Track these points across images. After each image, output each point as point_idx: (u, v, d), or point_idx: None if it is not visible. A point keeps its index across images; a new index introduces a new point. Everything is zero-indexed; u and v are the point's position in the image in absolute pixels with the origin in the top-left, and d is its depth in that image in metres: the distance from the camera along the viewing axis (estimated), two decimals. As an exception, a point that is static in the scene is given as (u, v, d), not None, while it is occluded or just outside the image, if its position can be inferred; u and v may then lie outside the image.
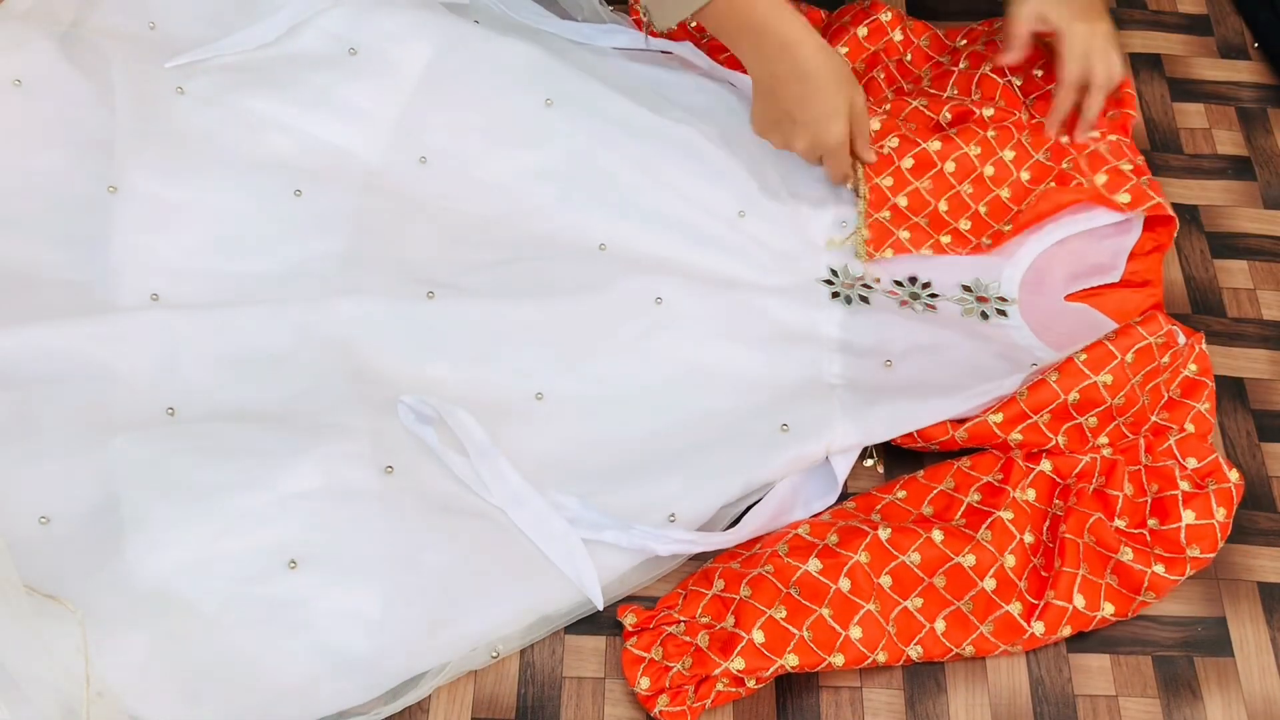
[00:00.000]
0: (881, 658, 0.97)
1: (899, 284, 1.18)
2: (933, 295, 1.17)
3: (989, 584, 1.00)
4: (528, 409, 1.07)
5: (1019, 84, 1.26)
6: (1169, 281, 1.21)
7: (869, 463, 1.09)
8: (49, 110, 1.17)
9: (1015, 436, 1.05)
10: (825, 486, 1.07)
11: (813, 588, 0.97)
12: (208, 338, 1.06)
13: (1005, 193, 1.21)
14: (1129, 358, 1.04)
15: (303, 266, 1.12)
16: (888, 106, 1.26)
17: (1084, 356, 1.05)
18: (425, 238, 1.16)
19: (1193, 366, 1.10)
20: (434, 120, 1.22)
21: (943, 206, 1.20)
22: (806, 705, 0.98)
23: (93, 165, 1.15)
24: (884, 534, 1.00)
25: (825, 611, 0.96)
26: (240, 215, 1.14)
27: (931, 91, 1.28)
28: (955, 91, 1.27)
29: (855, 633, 0.96)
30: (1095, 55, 1.20)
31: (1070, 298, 1.18)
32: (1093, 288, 1.18)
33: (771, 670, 0.94)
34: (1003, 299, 1.17)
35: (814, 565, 0.98)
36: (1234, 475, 1.05)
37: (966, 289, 1.18)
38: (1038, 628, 0.99)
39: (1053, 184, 1.20)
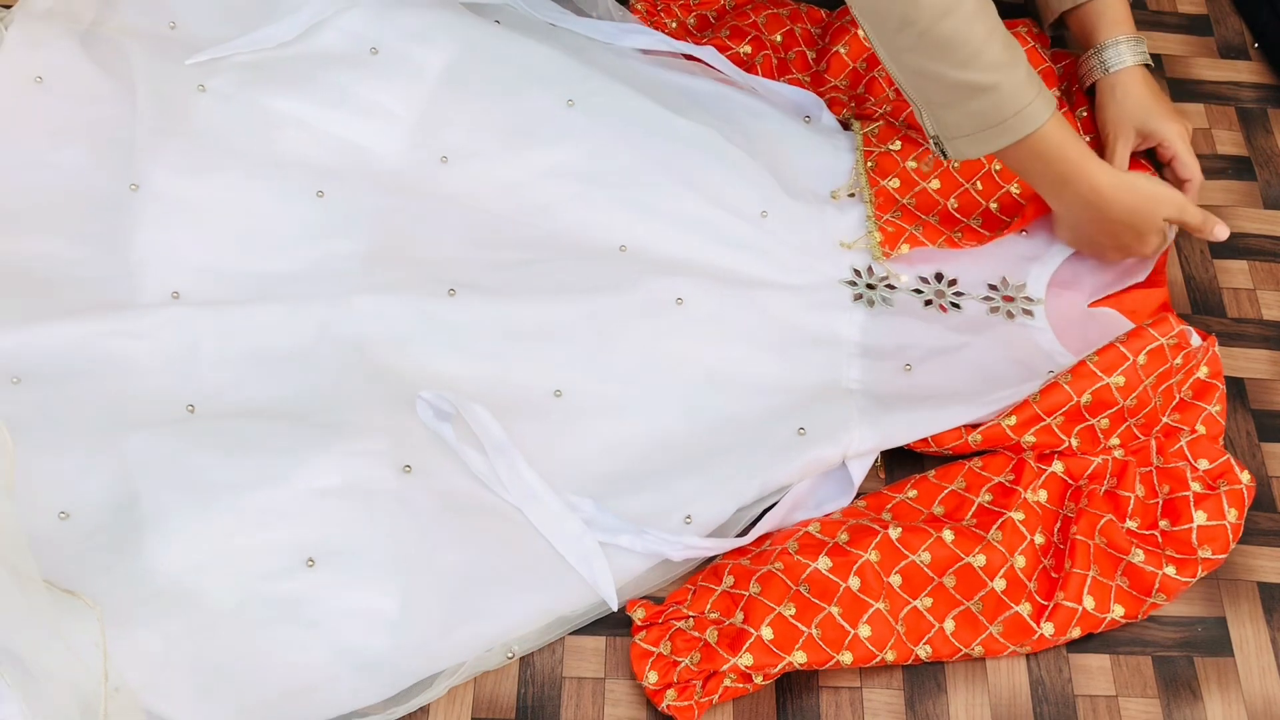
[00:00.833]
0: (890, 657, 0.97)
1: (925, 281, 1.17)
2: (958, 294, 1.17)
3: (999, 584, 1.00)
4: (546, 407, 1.08)
5: None
6: (1169, 281, 1.21)
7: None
8: (70, 108, 1.18)
9: (1028, 439, 1.05)
10: (840, 489, 1.07)
11: (822, 585, 0.97)
12: (228, 335, 1.07)
13: (1015, 189, 1.21)
14: (1141, 359, 1.04)
15: (323, 265, 1.13)
16: (888, 107, 1.26)
17: (1096, 358, 1.05)
18: (446, 237, 1.16)
19: (1205, 369, 1.10)
20: (455, 120, 1.22)
21: (953, 204, 1.20)
22: (806, 705, 0.99)
23: (114, 163, 1.16)
24: (894, 533, 1.00)
25: (834, 609, 0.96)
26: (261, 213, 1.15)
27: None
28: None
29: (864, 631, 0.97)
30: (1189, 149, 1.22)
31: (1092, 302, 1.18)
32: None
33: (779, 667, 0.95)
34: (1029, 299, 1.17)
35: (824, 563, 0.98)
36: (1245, 477, 1.05)
37: (993, 287, 1.17)
38: (1047, 629, 0.99)
39: None
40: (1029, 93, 1.02)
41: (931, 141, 1.07)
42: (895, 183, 1.20)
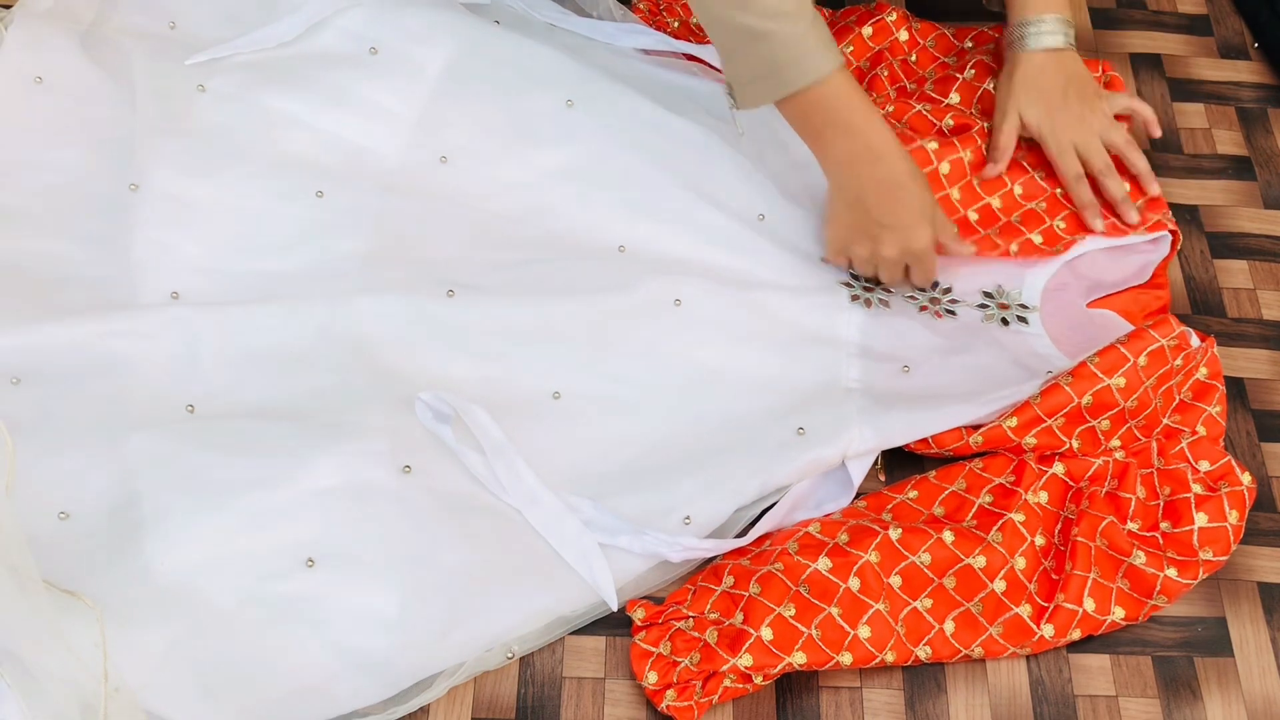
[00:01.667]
0: (890, 658, 0.97)
1: (919, 288, 1.18)
2: (953, 301, 1.17)
3: (999, 586, 1.00)
4: (545, 408, 1.08)
5: None
6: (1169, 282, 1.21)
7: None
8: (70, 108, 1.19)
9: (1029, 440, 1.05)
10: (839, 489, 1.07)
11: (822, 586, 0.97)
12: (228, 335, 1.07)
13: (996, 202, 1.21)
14: (1142, 360, 1.04)
15: (323, 265, 1.13)
16: (891, 108, 1.26)
17: (1097, 360, 1.05)
18: (445, 237, 1.16)
19: (1204, 370, 1.10)
20: (455, 120, 1.22)
21: None
22: (806, 705, 0.99)
23: (114, 163, 1.16)
24: (894, 534, 1.00)
25: (834, 610, 0.96)
26: (261, 213, 1.15)
27: (934, 96, 1.27)
28: (958, 99, 1.26)
29: (864, 632, 0.97)
30: (1084, 145, 1.19)
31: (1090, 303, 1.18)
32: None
33: (779, 668, 0.95)
34: (1024, 306, 1.17)
35: (824, 564, 0.98)
36: (1246, 478, 1.05)
37: (988, 295, 1.17)
38: (1047, 630, 0.99)
39: (1043, 204, 1.21)
40: (810, 44, 1.01)
41: (725, 90, 1.08)
42: None
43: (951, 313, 1.16)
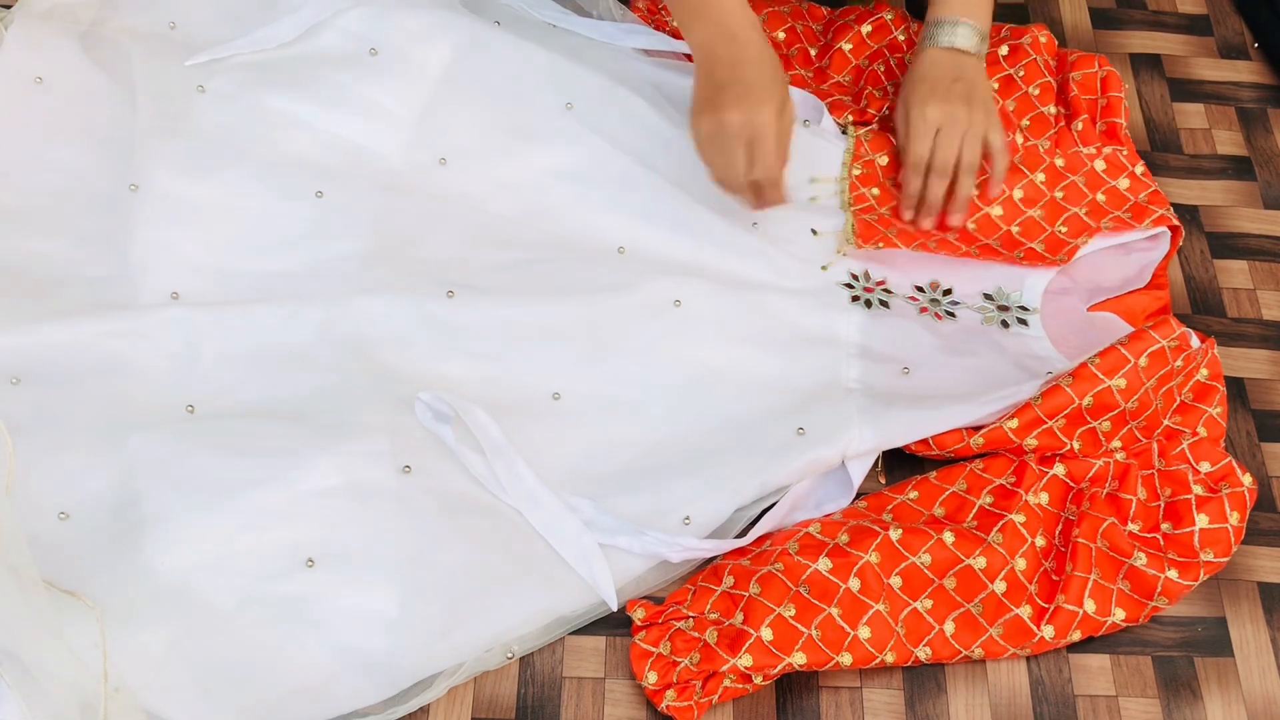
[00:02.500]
0: (890, 658, 0.97)
1: (920, 289, 1.17)
2: (954, 302, 1.17)
3: (999, 587, 1.00)
4: (545, 409, 1.08)
5: (1013, 108, 1.26)
6: (1169, 282, 1.21)
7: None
8: (70, 108, 1.19)
9: (1030, 442, 1.05)
10: (839, 490, 1.07)
11: (822, 586, 0.97)
12: (227, 335, 1.07)
13: (997, 210, 1.21)
14: (1142, 361, 1.04)
15: (323, 265, 1.13)
16: (889, 108, 1.25)
17: (1098, 361, 1.05)
18: (445, 238, 1.16)
19: (1204, 371, 1.10)
20: (454, 121, 1.22)
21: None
22: (806, 705, 0.99)
23: (113, 163, 1.16)
24: (895, 534, 1.00)
25: (834, 611, 0.96)
26: (261, 213, 1.15)
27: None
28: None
29: (864, 633, 0.97)
30: (944, 137, 1.16)
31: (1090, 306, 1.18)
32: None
33: (779, 668, 0.95)
34: (1024, 308, 1.17)
35: (824, 564, 0.98)
36: (1247, 479, 1.05)
37: (988, 297, 1.17)
38: (1047, 631, 0.99)
39: (1040, 211, 1.20)
40: None
41: None
42: (875, 191, 1.21)
43: (952, 314, 1.16)
